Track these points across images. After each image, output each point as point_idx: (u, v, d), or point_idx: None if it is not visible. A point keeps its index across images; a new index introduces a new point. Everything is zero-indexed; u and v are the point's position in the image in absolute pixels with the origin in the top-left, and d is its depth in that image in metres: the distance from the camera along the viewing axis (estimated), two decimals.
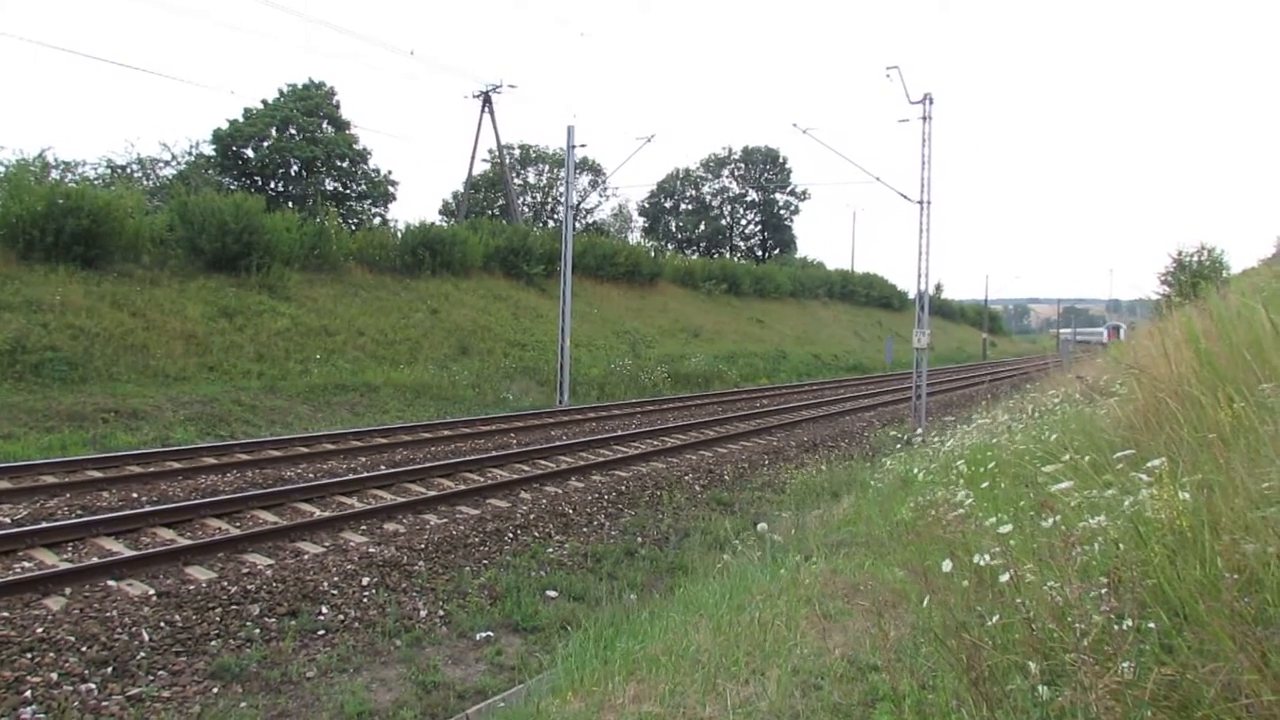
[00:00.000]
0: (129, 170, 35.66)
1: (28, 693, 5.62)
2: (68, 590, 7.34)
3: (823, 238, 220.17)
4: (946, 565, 2.89)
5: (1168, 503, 2.68)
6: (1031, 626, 2.48)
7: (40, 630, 6.44)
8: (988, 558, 2.82)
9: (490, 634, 7.40)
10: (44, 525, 8.96)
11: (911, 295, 47.05)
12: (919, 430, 17.91)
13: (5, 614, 6.73)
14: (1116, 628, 2.22)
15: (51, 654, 6.14)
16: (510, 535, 10.07)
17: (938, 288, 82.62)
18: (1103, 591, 2.33)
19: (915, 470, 8.89)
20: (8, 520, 9.46)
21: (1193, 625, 2.33)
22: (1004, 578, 2.63)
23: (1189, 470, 2.92)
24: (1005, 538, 2.99)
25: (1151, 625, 2.32)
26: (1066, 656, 2.26)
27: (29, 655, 6.08)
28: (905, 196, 21.03)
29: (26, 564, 8.05)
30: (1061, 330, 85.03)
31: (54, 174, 27.72)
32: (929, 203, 20.61)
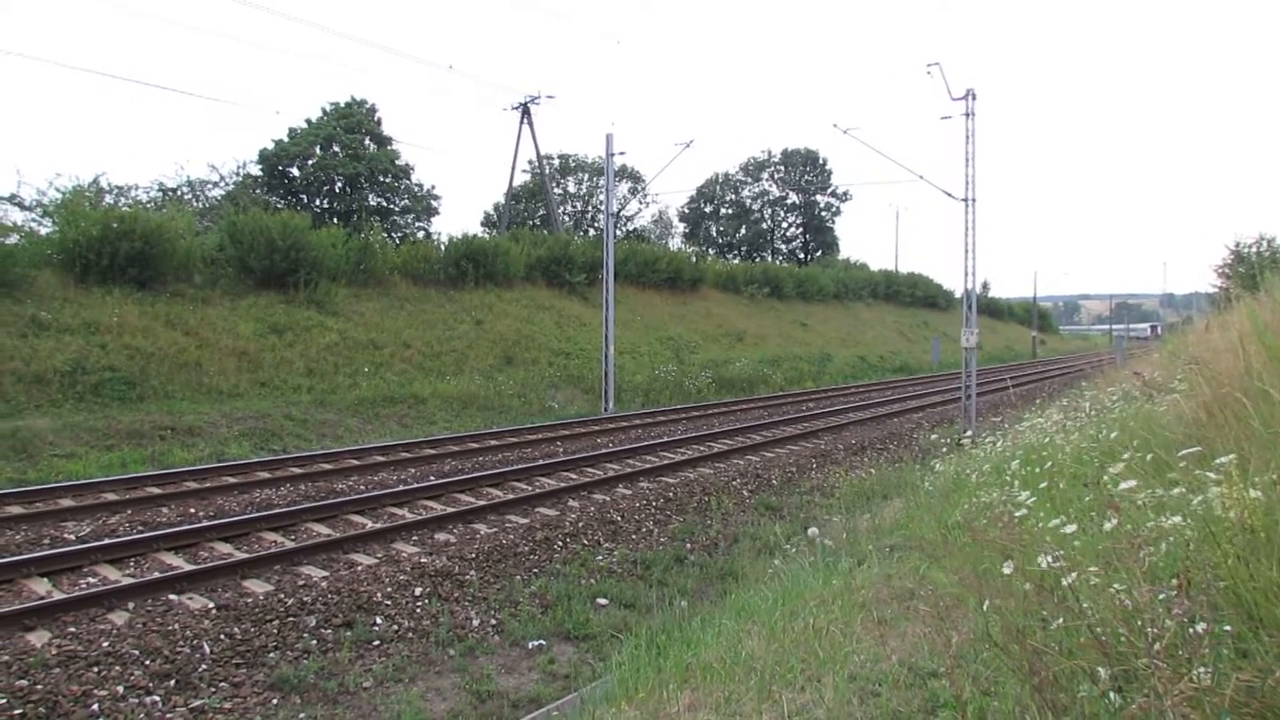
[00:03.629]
0: (179, 192, 36.59)
1: (95, 706, 5.76)
2: (131, 605, 7.52)
3: (865, 238, 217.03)
4: (1007, 567, 2.81)
5: (1238, 501, 2.58)
6: (1096, 631, 2.41)
7: (106, 644, 6.61)
8: (1049, 559, 2.74)
9: (542, 642, 7.42)
10: (107, 541, 9.19)
11: (958, 294, 46.38)
12: (969, 431, 17.62)
13: (72, 629, 6.92)
14: (1190, 631, 2.14)
15: (117, 667, 6.28)
16: (560, 543, 10.09)
17: (985, 286, 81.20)
18: (1173, 594, 2.25)
19: (967, 472, 8.73)
20: (72, 537, 9.73)
21: (1270, 628, 2.24)
22: (1067, 581, 2.56)
23: (1260, 468, 2.81)
24: (1069, 538, 2.91)
25: (1227, 629, 2.23)
26: (1138, 662, 2.19)
27: (96, 669, 6.23)
28: (949, 194, 20.75)
29: (91, 580, 8.27)
30: (1115, 327, 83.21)
31: (108, 199, 28.56)
32: (974, 200, 20.31)
